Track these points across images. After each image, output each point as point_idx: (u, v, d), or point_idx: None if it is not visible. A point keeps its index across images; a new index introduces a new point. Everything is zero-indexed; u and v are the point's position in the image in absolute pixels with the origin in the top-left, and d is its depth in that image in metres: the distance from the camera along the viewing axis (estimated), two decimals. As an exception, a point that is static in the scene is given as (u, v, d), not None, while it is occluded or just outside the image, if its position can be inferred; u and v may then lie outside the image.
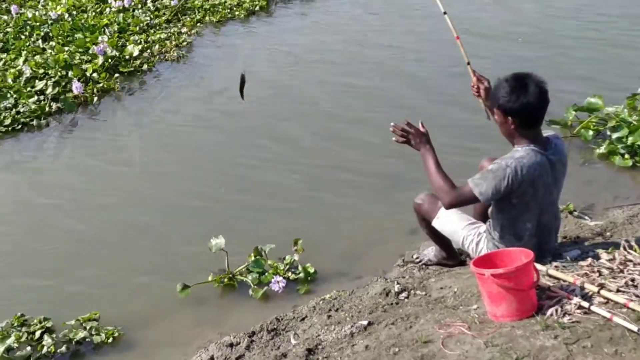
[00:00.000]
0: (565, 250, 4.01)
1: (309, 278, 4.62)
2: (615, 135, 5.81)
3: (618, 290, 3.34)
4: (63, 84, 7.75)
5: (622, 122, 5.89)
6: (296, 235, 4.81)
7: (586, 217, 4.97)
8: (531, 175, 3.56)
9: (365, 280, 4.53)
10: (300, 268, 4.64)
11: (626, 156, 5.69)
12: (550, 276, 3.57)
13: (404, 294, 4.00)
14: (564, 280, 3.50)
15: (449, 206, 3.66)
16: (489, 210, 3.90)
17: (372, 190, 5.60)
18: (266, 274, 4.65)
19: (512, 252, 3.46)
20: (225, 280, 4.64)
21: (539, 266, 3.50)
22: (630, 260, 3.59)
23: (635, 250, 3.70)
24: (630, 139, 5.71)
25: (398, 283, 4.12)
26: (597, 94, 6.20)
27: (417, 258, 4.60)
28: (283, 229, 5.07)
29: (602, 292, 3.31)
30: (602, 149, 5.80)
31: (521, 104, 3.53)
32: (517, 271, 3.22)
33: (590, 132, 5.99)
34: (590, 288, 3.37)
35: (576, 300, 3.28)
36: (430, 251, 4.48)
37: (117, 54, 8.37)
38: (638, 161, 5.65)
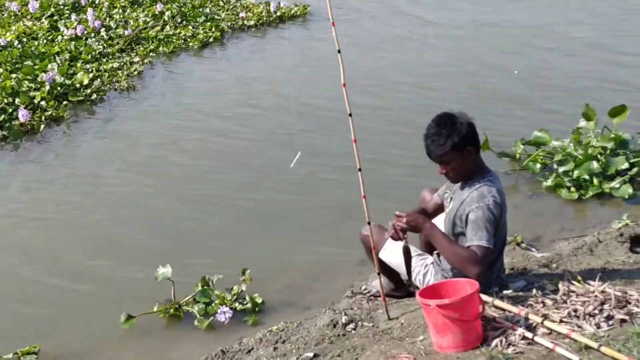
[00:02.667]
0: (511, 281, 4.03)
1: (256, 309, 4.55)
2: (561, 169, 5.92)
3: (561, 321, 3.36)
4: (10, 111, 7.59)
5: (568, 156, 6.00)
6: (244, 264, 4.74)
7: (533, 249, 5.02)
8: (503, 197, 3.66)
9: (314, 311, 4.49)
10: (247, 298, 4.58)
11: (572, 189, 5.79)
12: (496, 307, 3.58)
13: (352, 326, 3.96)
14: (509, 311, 3.51)
15: (479, 276, 3.50)
16: (445, 231, 3.90)
17: (321, 221, 5.58)
18: (213, 304, 4.57)
19: (458, 283, 3.46)
20: (171, 310, 4.54)
21: (484, 297, 3.51)
22: (574, 291, 3.63)
23: (578, 282, 3.73)
24: (576, 173, 5.82)
25: (346, 314, 4.08)
26: (543, 129, 6.31)
27: (365, 289, 4.58)
28: (231, 259, 5.01)
29: (546, 322, 3.33)
30: (549, 182, 5.89)
31: (470, 126, 3.60)
32: (462, 302, 3.21)
33: (538, 165, 6.09)
34: (534, 319, 3.38)
35: (520, 330, 3.29)
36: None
37: (67, 82, 8.25)
38: (583, 194, 5.75)
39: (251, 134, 7.28)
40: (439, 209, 4.07)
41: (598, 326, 3.29)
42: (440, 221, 4.08)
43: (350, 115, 3.63)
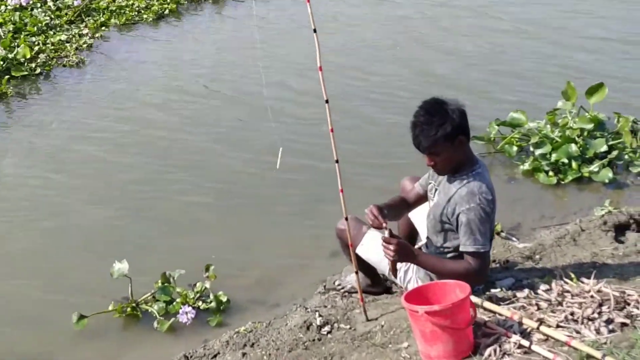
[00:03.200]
0: (498, 278, 3.76)
1: (221, 307, 4.20)
2: (538, 152, 5.66)
3: (558, 326, 3.09)
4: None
5: (545, 138, 5.75)
6: (208, 260, 4.36)
7: (514, 239, 4.76)
8: (494, 192, 3.39)
9: (284, 309, 4.17)
10: (212, 297, 4.21)
11: (550, 173, 5.54)
12: (486, 309, 3.30)
13: (327, 328, 3.64)
14: (500, 314, 3.23)
15: (481, 283, 3.48)
16: (423, 234, 3.60)
17: (290, 210, 5.22)
18: (174, 303, 4.20)
19: (446, 285, 3.16)
20: (128, 309, 4.17)
21: (473, 298, 3.23)
22: (568, 291, 3.36)
23: (572, 280, 3.47)
24: (554, 156, 5.57)
25: (320, 315, 3.75)
26: (519, 109, 6.04)
27: (339, 285, 4.26)
28: (194, 254, 4.61)
29: (542, 328, 3.06)
30: (526, 166, 5.63)
31: (462, 114, 3.30)
32: (453, 308, 2.92)
33: (514, 148, 5.82)
34: (529, 324, 3.11)
35: (515, 338, 3.01)
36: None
37: (10, 55, 7.68)
38: (562, 178, 5.50)
39: (213, 121, 6.76)
40: (421, 199, 3.76)
41: (598, 331, 3.04)
42: (422, 212, 3.78)
43: (327, 102, 3.27)
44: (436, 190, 3.53)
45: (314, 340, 3.53)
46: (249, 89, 7.12)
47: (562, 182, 5.50)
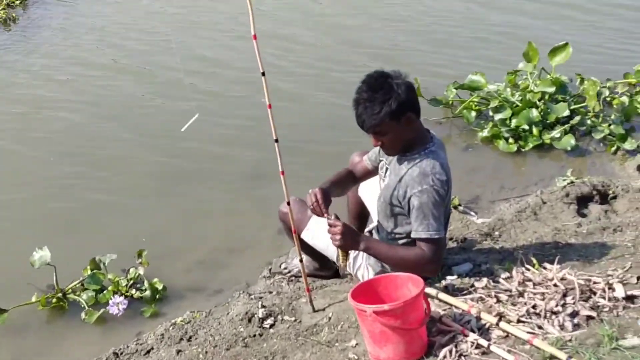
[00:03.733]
0: (455, 262, 3.48)
1: (157, 296, 3.87)
2: (498, 117, 5.38)
3: (519, 321, 2.82)
4: None
5: (504, 102, 5.46)
6: (140, 245, 4.01)
7: (472, 213, 4.49)
8: (449, 172, 3.07)
9: (226, 295, 3.88)
10: (146, 284, 3.87)
11: (510, 140, 5.27)
12: (441, 301, 3.01)
13: (270, 321, 3.33)
14: (457, 307, 2.95)
15: (436, 272, 3.13)
16: (374, 215, 3.28)
17: (230, 186, 4.84)
18: (105, 291, 3.86)
19: (397, 278, 2.86)
20: (53, 300, 3.81)
21: (428, 290, 2.94)
22: (530, 280, 3.09)
23: (534, 266, 3.20)
24: (514, 122, 5.30)
25: (263, 305, 3.43)
26: (479, 72, 5.72)
27: (285, 268, 3.95)
28: (127, 237, 4.25)
29: (502, 324, 2.78)
30: (485, 133, 5.35)
31: (409, 88, 2.97)
32: (405, 307, 2.61)
33: (473, 114, 5.52)
34: (488, 318, 2.83)
35: (473, 337, 2.73)
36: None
37: None
38: (522, 146, 5.24)
39: (139, 91, 6.28)
40: (369, 174, 3.45)
41: (562, 327, 2.76)
42: (373, 191, 3.47)
43: (263, 74, 2.89)
44: (387, 169, 3.21)
45: (254, 335, 3.21)
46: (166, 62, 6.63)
47: (523, 150, 5.25)
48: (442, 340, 2.76)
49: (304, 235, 3.44)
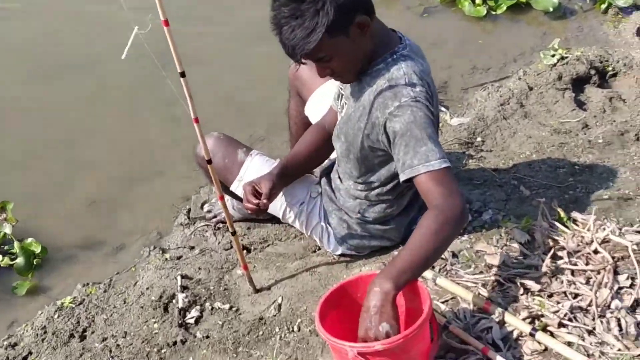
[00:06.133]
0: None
1: (33, 263, 2.82)
2: (461, -30, 4.26)
3: (560, 324, 1.94)
4: None
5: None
6: (7, 194, 2.89)
7: (442, 108, 3.50)
8: (430, 80, 2.05)
9: (131, 253, 2.91)
10: (17, 247, 2.80)
11: (477, 1, 4.19)
12: (441, 288, 2.11)
13: (196, 311, 2.37)
14: (463, 298, 2.05)
15: (464, 215, 1.83)
16: (340, 153, 2.25)
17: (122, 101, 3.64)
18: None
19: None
20: None
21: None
22: (561, 247, 2.19)
23: (560, 219, 2.29)
24: (481, -24, 4.21)
25: (184, 287, 2.45)
26: None
27: (209, 212, 2.93)
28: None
29: (539, 335, 1.90)
30: (445, -9, 4.25)
31: None
32: (406, 343, 1.67)
33: (429, -34, 4.38)
34: (517, 325, 1.94)
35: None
36: (229, 200, 2.79)
37: None
38: (493, 8, 4.19)
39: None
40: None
41: (622, 330, 1.90)
42: (322, 108, 2.45)
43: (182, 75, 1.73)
44: (342, 95, 2.17)
45: (174, 343, 2.24)
46: None
47: (494, 13, 4.22)
48: (454, 366, 1.87)
49: (234, 187, 2.42)
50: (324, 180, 2.39)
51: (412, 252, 1.74)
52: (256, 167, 2.36)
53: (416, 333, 1.67)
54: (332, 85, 2.41)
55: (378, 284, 1.67)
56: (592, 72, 3.60)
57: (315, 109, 2.59)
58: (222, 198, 2.14)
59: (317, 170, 2.53)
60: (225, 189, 2.44)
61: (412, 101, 1.90)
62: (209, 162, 2.05)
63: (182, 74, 1.85)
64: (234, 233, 2.24)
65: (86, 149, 3.39)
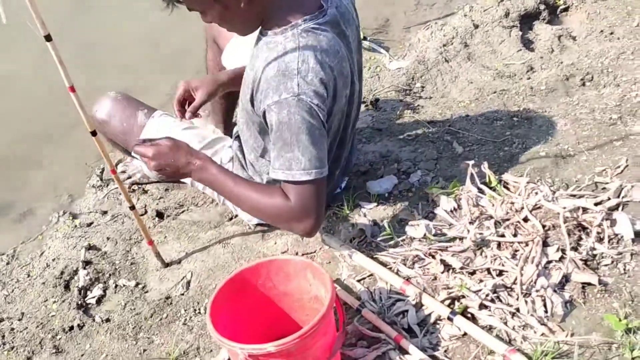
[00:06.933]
0: (370, 170, 2.34)
1: None
2: None
3: (482, 306, 1.78)
4: None
5: None
6: None
7: (381, 50, 3.27)
8: (334, 61, 1.75)
9: (38, 219, 2.67)
10: None
11: None
12: (355, 262, 1.93)
13: (98, 290, 2.18)
14: (383, 278, 1.88)
15: (312, 231, 1.78)
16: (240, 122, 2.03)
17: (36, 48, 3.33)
18: None
19: (289, 264, 1.71)
20: None
21: (335, 244, 1.85)
22: (489, 216, 2.01)
23: (490, 185, 2.11)
24: None
25: (86, 262, 2.26)
26: None
27: (123, 172, 2.70)
28: None
29: (457, 319, 1.74)
30: None
31: None
32: (304, 340, 1.50)
33: None
34: (434, 308, 1.78)
35: (413, 349, 1.68)
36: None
37: None
38: None
39: None
40: None
41: (548, 311, 1.75)
42: (238, 58, 2.24)
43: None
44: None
45: (71, 328, 2.06)
46: None
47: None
48: (364, 357, 1.71)
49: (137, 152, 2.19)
50: (235, 144, 2.17)
51: (234, 189, 1.81)
52: (160, 130, 2.13)
53: (315, 330, 1.50)
54: None
55: (195, 157, 1.81)
56: (542, 7, 3.36)
57: (232, 58, 2.35)
58: (114, 172, 1.92)
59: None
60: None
61: (292, 98, 1.66)
62: (93, 133, 1.81)
63: (48, 38, 1.60)
64: (132, 207, 2.03)
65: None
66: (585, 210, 1.96)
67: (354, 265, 1.96)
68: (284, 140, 1.68)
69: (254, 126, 1.88)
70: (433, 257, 1.90)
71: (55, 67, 1.62)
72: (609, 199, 2.00)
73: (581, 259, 1.84)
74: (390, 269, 1.89)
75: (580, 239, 1.91)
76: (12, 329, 2.10)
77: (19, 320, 2.13)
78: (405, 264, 1.91)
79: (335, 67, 1.72)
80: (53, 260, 2.35)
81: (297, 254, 2.07)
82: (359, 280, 1.91)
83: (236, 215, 2.32)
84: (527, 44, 3.19)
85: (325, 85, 1.69)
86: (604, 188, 2.07)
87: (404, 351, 1.69)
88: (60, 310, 2.11)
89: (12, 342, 2.05)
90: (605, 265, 1.85)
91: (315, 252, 2.06)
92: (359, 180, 2.29)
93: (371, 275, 1.92)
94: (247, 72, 1.83)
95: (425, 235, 1.95)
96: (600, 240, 1.89)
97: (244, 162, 2.11)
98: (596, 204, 1.97)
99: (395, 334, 1.71)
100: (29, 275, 2.33)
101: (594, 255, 1.86)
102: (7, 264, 2.43)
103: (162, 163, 1.81)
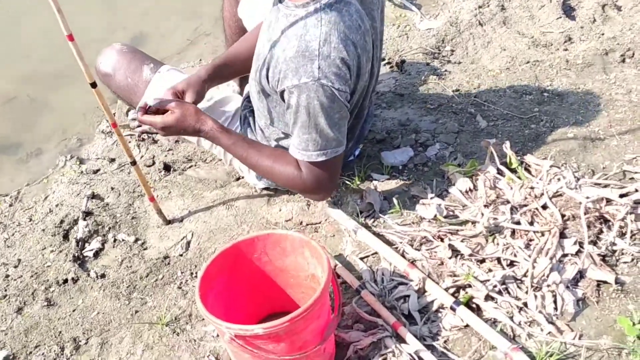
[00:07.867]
0: (385, 139, 2.23)
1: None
2: None
3: (488, 297, 1.68)
4: None
5: None
6: None
7: (413, 7, 3.11)
8: (358, 38, 1.64)
9: (45, 162, 2.67)
10: None
11: None
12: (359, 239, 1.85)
13: (97, 243, 2.13)
14: (387, 259, 1.79)
15: (325, 198, 1.94)
16: (253, 94, 1.93)
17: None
18: None
19: (286, 239, 1.63)
20: None
21: (340, 218, 1.77)
22: (506, 201, 1.90)
23: (510, 166, 1.99)
24: None
25: (87, 213, 2.20)
26: None
27: (134, 120, 2.60)
28: None
29: (460, 310, 1.65)
30: None
31: None
32: (295, 323, 1.42)
33: None
34: (437, 294, 1.69)
35: (411, 338, 1.60)
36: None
37: None
38: None
39: None
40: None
41: (558, 309, 1.66)
42: (256, 11, 2.12)
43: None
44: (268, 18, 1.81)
45: (65, 281, 2.01)
46: None
47: None
48: (359, 342, 1.63)
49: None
50: (245, 105, 2.07)
51: (249, 154, 1.80)
52: (166, 87, 2.03)
53: (307, 314, 1.42)
54: None
55: (203, 123, 1.77)
56: (589, -30, 3.16)
57: (249, 10, 2.23)
58: (115, 125, 1.83)
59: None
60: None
61: (312, 83, 1.57)
62: (93, 85, 1.73)
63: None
64: (134, 163, 1.95)
65: (8, 38, 3.03)
66: (609, 201, 1.84)
67: (358, 242, 1.87)
68: (302, 123, 1.65)
69: (267, 98, 1.78)
70: (442, 240, 1.80)
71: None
72: (636, 190, 1.87)
73: (599, 254, 1.73)
74: (396, 249, 1.80)
75: (600, 232, 1.80)
76: (7, 276, 2.06)
77: (15, 267, 2.09)
78: (412, 245, 1.81)
79: (359, 43, 1.62)
80: (56, 206, 2.30)
81: (301, 223, 1.99)
82: (362, 258, 1.83)
83: (243, 177, 2.23)
84: (568, 12, 3.00)
85: (349, 66, 1.60)
86: (632, 178, 1.94)
87: (401, 339, 1.61)
88: (57, 261, 2.06)
89: (6, 291, 2.01)
90: (625, 262, 1.74)
91: (320, 222, 1.98)
92: (374, 148, 2.19)
93: (375, 253, 1.83)
94: (263, 43, 1.72)
95: (435, 216, 1.84)
96: (622, 235, 1.78)
97: (253, 126, 2.01)
98: (621, 196, 1.84)
99: (393, 320, 1.63)
100: (30, 220, 2.29)
101: (614, 251, 1.75)
102: (10, 205, 2.39)
103: (170, 133, 1.80)
